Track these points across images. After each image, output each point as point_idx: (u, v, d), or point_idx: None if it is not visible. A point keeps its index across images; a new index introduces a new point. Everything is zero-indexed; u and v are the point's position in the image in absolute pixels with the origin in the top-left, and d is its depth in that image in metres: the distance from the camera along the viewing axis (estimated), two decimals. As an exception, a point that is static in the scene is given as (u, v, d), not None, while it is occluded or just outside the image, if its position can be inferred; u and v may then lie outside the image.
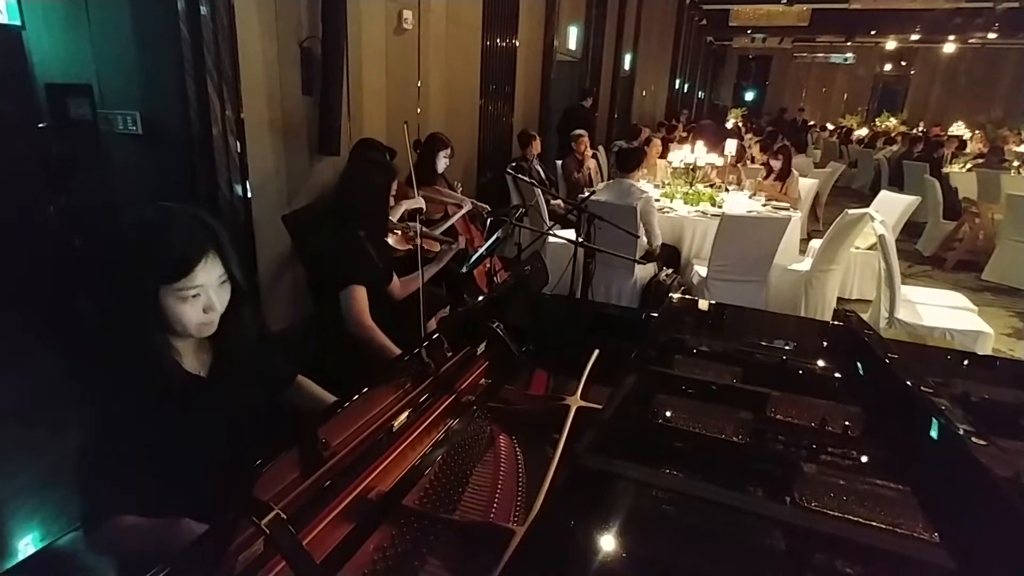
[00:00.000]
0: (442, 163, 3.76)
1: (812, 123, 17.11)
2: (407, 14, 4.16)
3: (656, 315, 1.76)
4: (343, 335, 2.05)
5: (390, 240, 2.61)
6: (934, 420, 0.94)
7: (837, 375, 1.41)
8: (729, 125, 12.91)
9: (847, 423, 1.18)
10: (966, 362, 1.77)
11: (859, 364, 1.39)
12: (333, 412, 1.02)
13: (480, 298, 1.59)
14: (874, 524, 0.91)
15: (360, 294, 1.98)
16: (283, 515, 0.76)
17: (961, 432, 0.86)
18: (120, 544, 1.05)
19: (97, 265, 2.67)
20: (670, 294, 1.91)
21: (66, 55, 2.97)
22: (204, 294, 1.08)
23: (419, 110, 4.52)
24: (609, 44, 9.00)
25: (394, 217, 2.89)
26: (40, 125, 3.05)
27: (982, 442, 0.83)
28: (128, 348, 1.07)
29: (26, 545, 2.04)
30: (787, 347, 1.62)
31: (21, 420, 2.51)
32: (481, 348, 1.48)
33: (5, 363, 2.74)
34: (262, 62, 3.07)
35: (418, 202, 3.07)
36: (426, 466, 1.12)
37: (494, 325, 1.46)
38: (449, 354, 1.36)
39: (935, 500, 0.92)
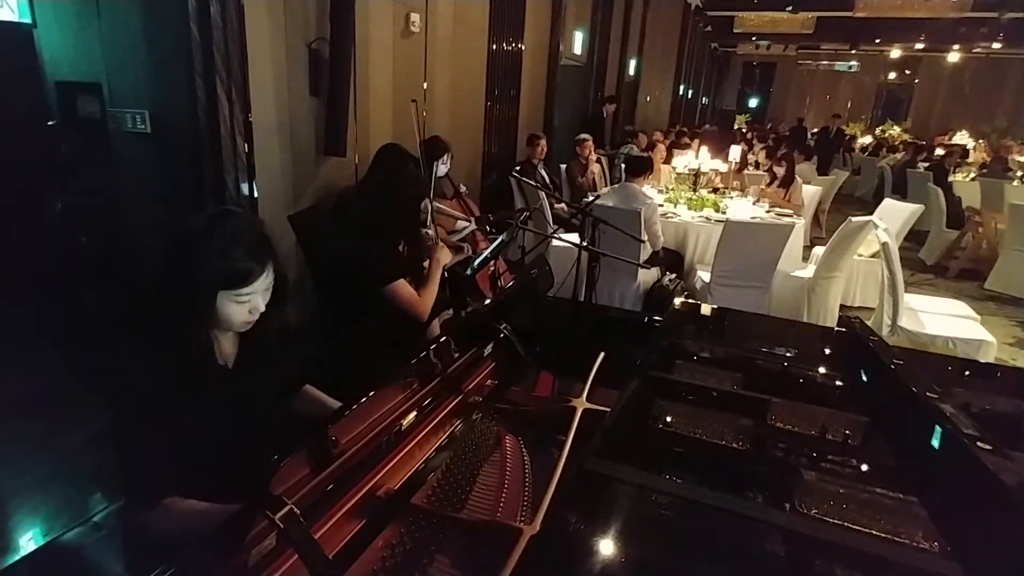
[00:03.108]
0: (441, 169, 3.74)
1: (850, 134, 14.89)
2: (414, 16, 4.18)
3: (659, 319, 1.77)
4: (357, 332, 2.07)
5: None
6: (941, 427, 0.95)
7: (840, 382, 1.42)
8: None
9: (848, 431, 1.19)
10: (968, 371, 1.77)
11: (863, 371, 1.39)
12: (344, 411, 1.02)
13: (488, 301, 1.60)
14: (874, 532, 0.91)
15: (404, 287, 2.05)
16: (296, 510, 0.77)
17: (968, 440, 0.86)
18: (169, 523, 1.10)
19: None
20: (674, 299, 1.92)
21: (76, 53, 2.99)
22: (254, 298, 1.18)
23: (425, 112, 4.54)
24: (614, 49, 9.03)
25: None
26: (50, 123, 3.07)
27: (989, 447, 0.84)
28: (176, 338, 1.15)
29: (28, 541, 2.05)
30: (790, 354, 1.63)
31: (26, 418, 2.52)
32: (488, 349, 1.49)
33: (10, 359, 2.75)
34: (270, 63, 3.08)
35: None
36: (434, 465, 1.13)
37: (501, 327, 1.47)
38: (456, 355, 1.37)
39: (942, 507, 0.93)
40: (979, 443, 0.83)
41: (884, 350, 1.34)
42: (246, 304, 1.17)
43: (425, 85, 4.47)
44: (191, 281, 1.12)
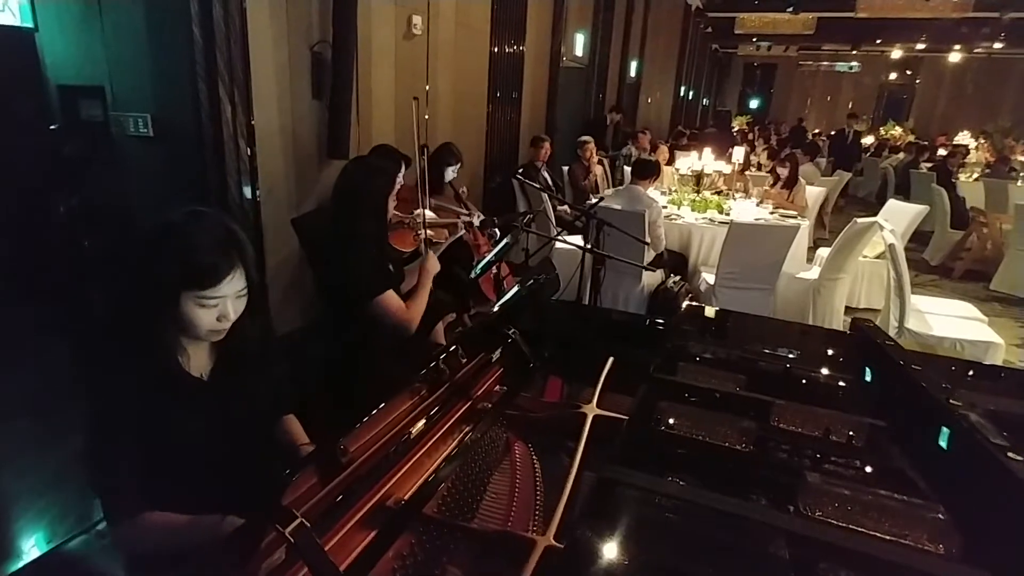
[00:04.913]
0: (450, 175, 3.76)
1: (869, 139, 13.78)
2: (416, 19, 4.17)
3: (661, 322, 1.76)
4: (361, 336, 2.06)
5: (394, 242, 2.61)
6: (965, 433, 0.93)
7: (854, 386, 1.41)
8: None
9: (862, 434, 1.18)
10: (982, 374, 1.76)
11: (878, 375, 1.38)
12: (354, 423, 1.01)
13: (495, 307, 1.58)
14: (879, 535, 0.91)
15: (391, 298, 2.01)
16: (307, 523, 0.75)
17: (998, 449, 0.85)
18: (147, 541, 1.07)
19: (116, 262, 2.66)
20: (680, 302, 1.91)
21: (79, 57, 2.98)
22: (222, 304, 1.10)
23: (427, 115, 4.53)
24: (615, 51, 9.02)
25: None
26: (52, 126, 3.06)
27: (1020, 459, 0.82)
28: (139, 343, 1.09)
29: (31, 547, 2.04)
30: (803, 357, 1.61)
31: (29, 419, 2.51)
32: (496, 355, 1.48)
33: (14, 361, 2.74)
34: (273, 66, 3.07)
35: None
36: (443, 474, 1.11)
37: (510, 332, 1.46)
38: (464, 360, 1.35)
39: (959, 510, 0.92)
40: (1009, 453, 0.81)
41: (900, 354, 1.32)
42: (213, 309, 1.09)
43: (427, 87, 4.46)
44: (153, 281, 1.06)
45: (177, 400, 1.12)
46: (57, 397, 2.54)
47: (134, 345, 1.09)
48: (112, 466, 1.07)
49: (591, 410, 1.31)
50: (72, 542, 1.30)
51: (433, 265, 2.21)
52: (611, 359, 1.53)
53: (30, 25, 2.97)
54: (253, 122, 2.91)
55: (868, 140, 14.49)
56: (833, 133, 13.39)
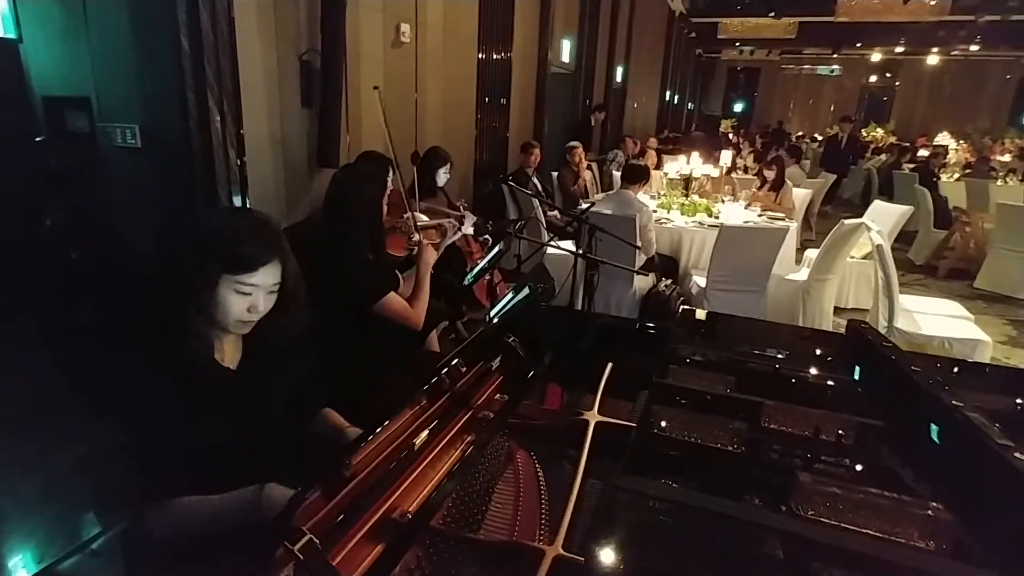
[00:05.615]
0: (442, 178, 3.76)
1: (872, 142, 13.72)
2: (405, 27, 4.17)
3: (660, 327, 1.77)
4: (356, 343, 2.05)
5: (387, 247, 2.60)
6: (966, 430, 0.94)
7: (859, 388, 1.42)
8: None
9: (866, 434, 1.19)
10: (975, 373, 1.78)
11: (877, 374, 1.39)
12: (360, 441, 1.00)
13: (492, 315, 1.58)
14: (870, 533, 0.93)
15: (394, 300, 2.04)
16: (316, 539, 0.74)
17: (1004, 450, 0.86)
18: (177, 526, 1.12)
19: (104, 273, 2.62)
20: (675, 306, 1.92)
21: (64, 68, 2.94)
22: (255, 294, 1.16)
23: (417, 123, 4.52)
24: (601, 57, 9.09)
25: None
26: (38, 138, 3.01)
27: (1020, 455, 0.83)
28: (175, 328, 1.13)
29: (20, 568, 1.99)
30: (811, 360, 1.63)
31: (18, 433, 2.46)
32: (495, 363, 1.47)
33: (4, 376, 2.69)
34: (262, 74, 3.06)
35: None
36: (447, 485, 1.10)
37: (510, 340, 1.45)
38: (464, 370, 1.34)
39: (956, 507, 0.93)
40: (1017, 454, 0.82)
41: (898, 354, 1.34)
42: (247, 298, 1.15)
43: (416, 95, 4.46)
44: (197, 261, 1.12)
45: (205, 387, 1.16)
46: (43, 415, 2.50)
47: (169, 329, 1.13)
48: (148, 451, 1.12)
49: (593, 417, 1.31)
50: (64, 562, 1.27)
51: (430, 256, 2.21)
52: (610, 364, 1.53)
53: (13, 36, 2.93)
54: (242, 131, 2.89)
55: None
56: (821, 138, 13.47)
